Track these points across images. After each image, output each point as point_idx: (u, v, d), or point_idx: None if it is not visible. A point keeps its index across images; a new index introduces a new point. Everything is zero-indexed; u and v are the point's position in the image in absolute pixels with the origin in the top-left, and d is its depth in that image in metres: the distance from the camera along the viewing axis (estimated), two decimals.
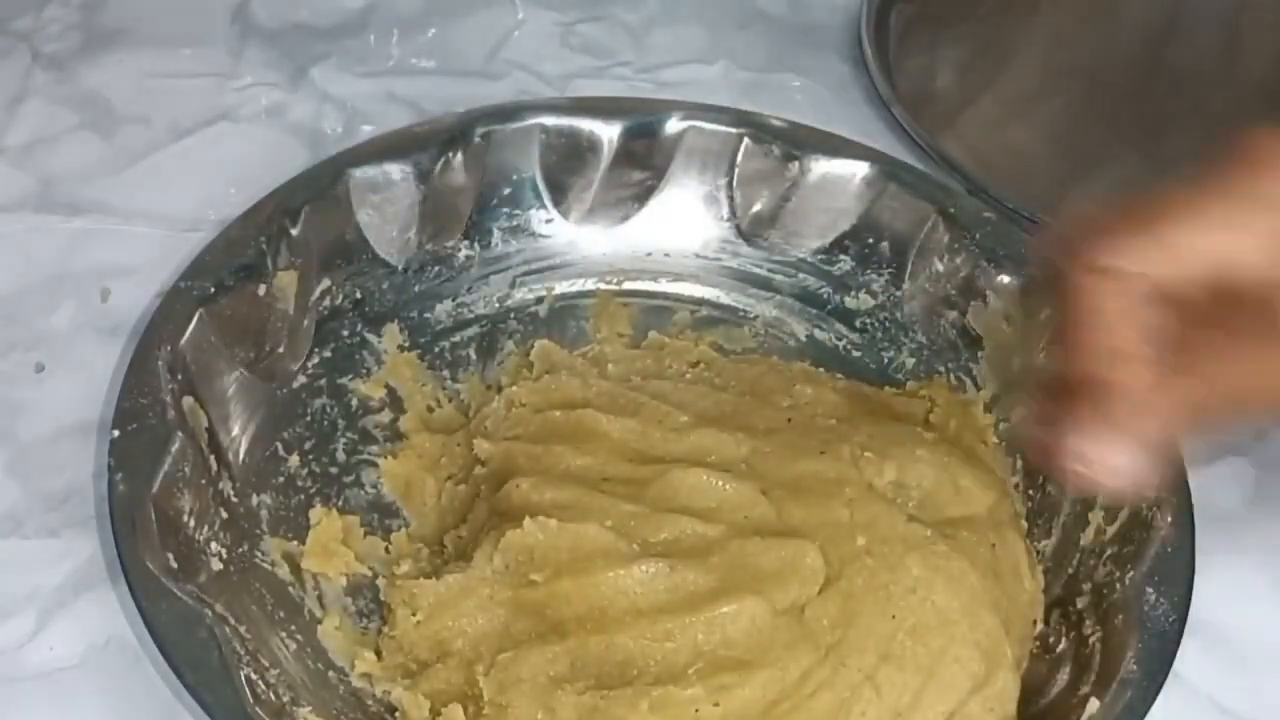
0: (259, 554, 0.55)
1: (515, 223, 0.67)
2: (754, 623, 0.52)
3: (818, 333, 0.67)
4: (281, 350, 0.61)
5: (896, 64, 0.76)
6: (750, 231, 0.68)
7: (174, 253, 0.63)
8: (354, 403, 0.62)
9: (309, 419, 0.61)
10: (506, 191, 0.66)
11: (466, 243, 0.66)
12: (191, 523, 0.53)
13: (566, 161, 0.67)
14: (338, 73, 0.77)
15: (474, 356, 0.65)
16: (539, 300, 0.66)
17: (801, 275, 0.67)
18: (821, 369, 0.64)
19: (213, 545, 0.54)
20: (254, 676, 0.50)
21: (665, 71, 0.78)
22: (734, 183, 0.67)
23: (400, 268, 0.65)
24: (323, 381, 0.62)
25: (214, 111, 0.74)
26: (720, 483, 0.56)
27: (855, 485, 0.56)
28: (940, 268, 0.65)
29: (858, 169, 0.67)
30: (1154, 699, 0.50)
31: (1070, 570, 0.56)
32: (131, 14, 0.79)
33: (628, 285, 0.67)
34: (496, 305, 0.66)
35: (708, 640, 0.52)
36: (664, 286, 0.68)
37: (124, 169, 0.71)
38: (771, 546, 0.54)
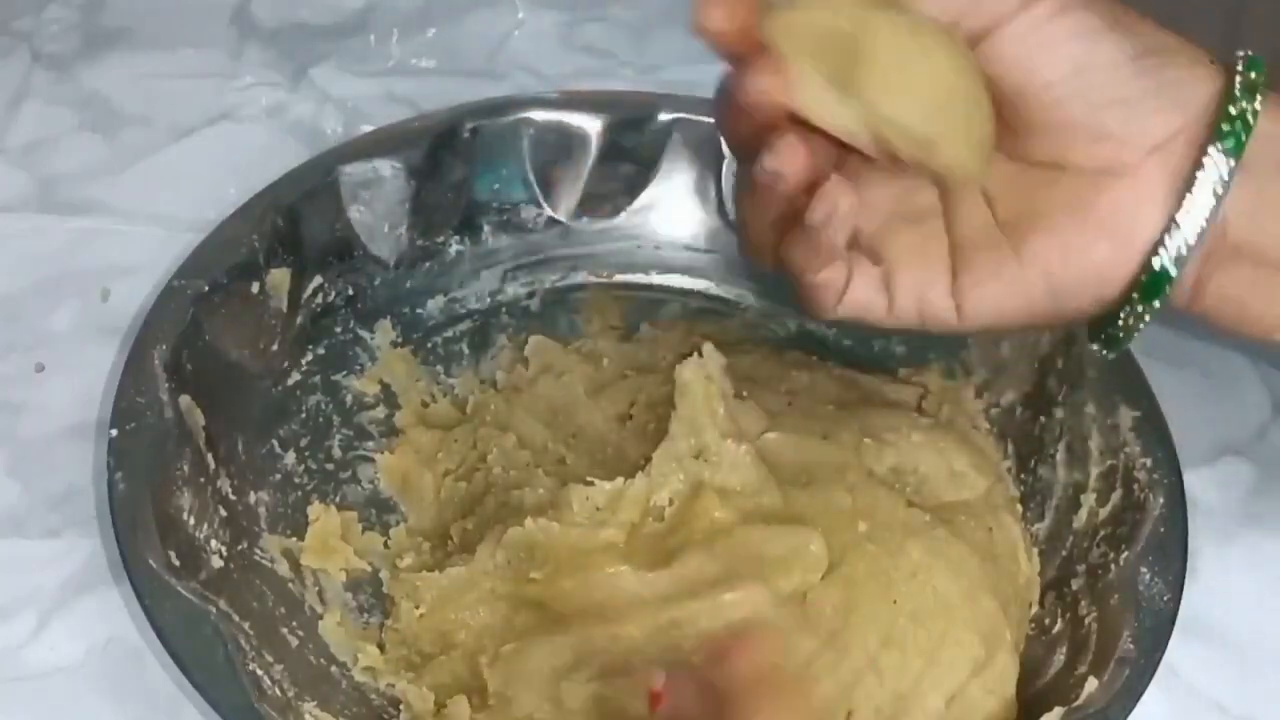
0: (258, 551, 0.54)
1: (505, 217, 0.65)
2: (757, 610, 0.50)
3: (808, 323, 0.64)
4: (275, 348, 0.59)
5: None
6: None
7: (174, 253, 0.60)
8: (349, 399, 0.60)
9: (304, 416, 0.59)
10: (496, 186, 0.65)
11: (457, 238, 0.64)
12: (191, 521, 0.52)
13: (556, 155, 0.65)
14: (338, 73, 0.75)
15: (467, 351, 0.63)
16: (530, 294, 0.65)
17: None
18: (815, 357, 0.62)
19: (212, 543, 0.52)
20: (259, 672, 0.48)
21: (666, 71, 0.76)
22: (723, 174, 0.65)
23: (392, 264, 0.63)
24: (317, 378, 0.60)
25: (214, 111, 0.72)
26: None
27: (856, 471, 0.54)
28: None
29: None
30: (1151, 677, 0.49)
31: (1065, 552, 0.55)
32: (131, 14, 0.77)
33: (619, 278, 0.66)
34: (488, 300, 0.64)
35: (712, 627, 0.50)
36: (655, 279, 0.66)
37: (124, 169, 0.69)
38: (775, 534, 0.52)
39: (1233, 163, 0.41)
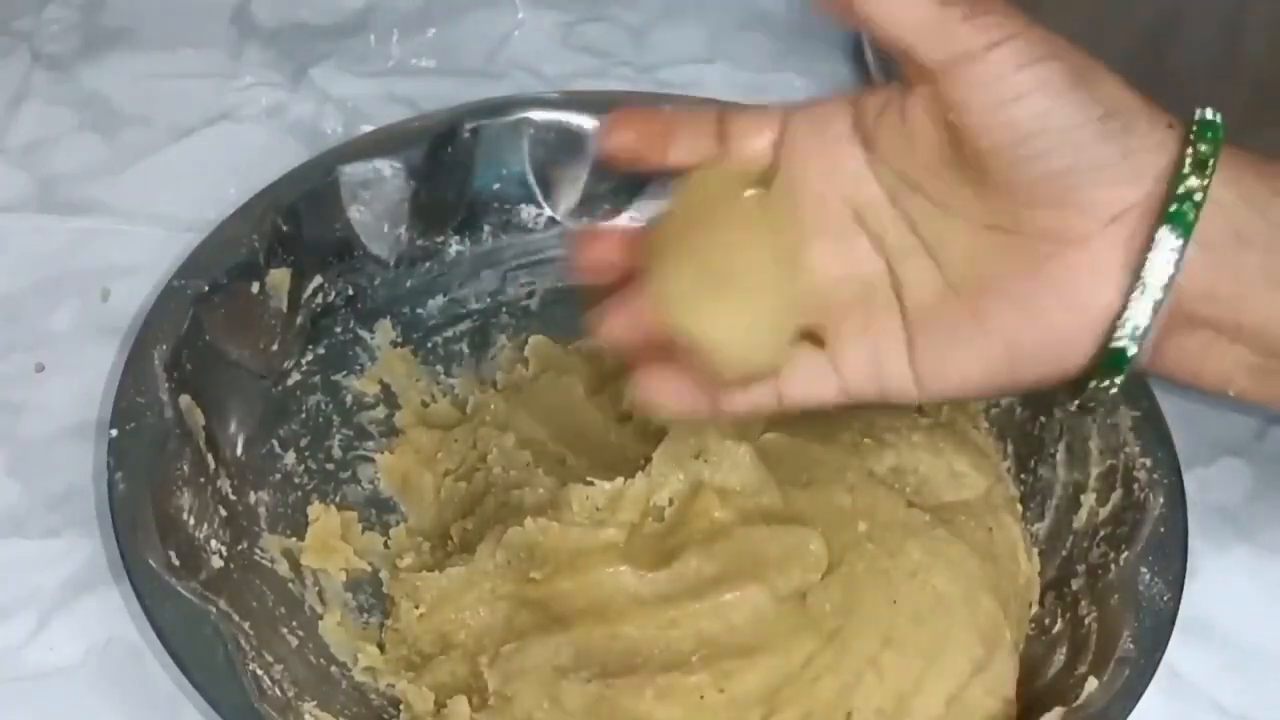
0: (258, 551, 0.54)
1: (505, 217, 0.64)
2: (756, 609, 0.50)
3: None
4: (276, 348, 0.58)
5: (897, 64, 0.74)
6: None
7: (174, 253, 0.60)
8: (349, 399, 0.60)
9: (304, 416, 0.59)
10: (496, 186, 0.64)
11: (457, 238, 0.64)
12: (191, 521, 0.52)
13: (555, 155, 0.64)
14: (338, 73, 0.75)
15: (467, 351, 0.62)
16: (530, 294, 0.64)
17: None
18: None
19: (212, 543, 0.52)
20: (259, 672, 0.48)
21: (665, 71, 0.76)
22: None
23: (392, 263, 0.62)
24: (317, 378, 0.60)
25: (214, 111, 0.72)
26: None
27: (856, 471, 0.54)
28: None
29: None
30: (1151, 677, 0.48)
31: (1065, 552, 0.54)
32: (131, 14, 0.76)
33: None
34: (488, 300, 0.64)
35: (711, 627, 0.50)
36: None
37: (124, 169, 0.69)
38: (775, 534, 0.52)
39: (1183, 243, 0.41)
